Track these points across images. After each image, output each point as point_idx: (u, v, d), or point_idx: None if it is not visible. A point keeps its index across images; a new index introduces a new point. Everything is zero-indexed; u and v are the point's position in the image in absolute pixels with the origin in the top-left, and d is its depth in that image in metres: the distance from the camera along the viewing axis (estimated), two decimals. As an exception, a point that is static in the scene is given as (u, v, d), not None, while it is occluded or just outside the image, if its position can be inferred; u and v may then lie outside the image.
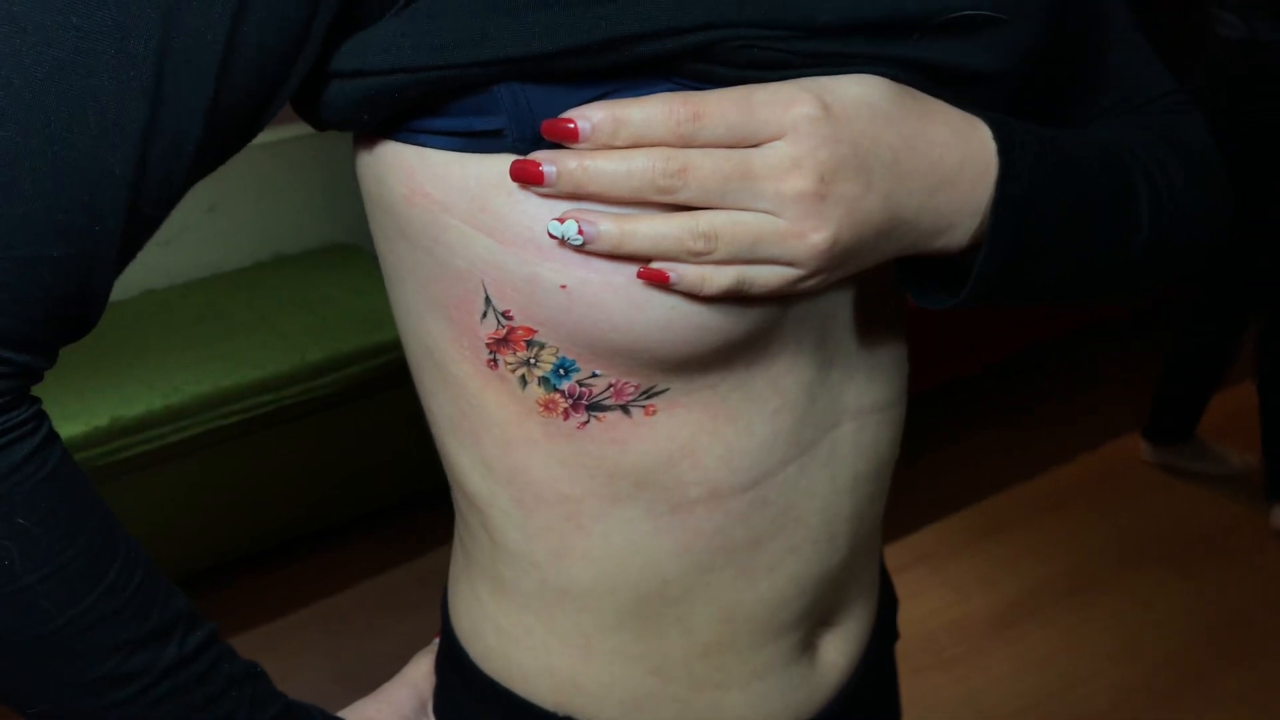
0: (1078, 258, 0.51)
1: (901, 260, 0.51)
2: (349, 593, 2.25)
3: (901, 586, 2.43)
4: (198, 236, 2.49)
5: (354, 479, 2.29)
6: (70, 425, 1.93)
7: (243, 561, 2.25)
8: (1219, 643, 2.07)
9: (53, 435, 0.44)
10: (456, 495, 0.57)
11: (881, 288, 0.55)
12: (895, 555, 2.32)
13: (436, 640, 0.64)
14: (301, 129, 2.40)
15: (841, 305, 0.53)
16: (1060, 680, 2.02)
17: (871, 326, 0.55)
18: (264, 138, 2.51)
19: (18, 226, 0.39)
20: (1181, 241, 0.56)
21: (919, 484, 2.53)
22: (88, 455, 1.93)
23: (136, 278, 2.43)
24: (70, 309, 0.42)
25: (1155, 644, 2.08)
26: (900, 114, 0.45)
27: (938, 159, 0.46)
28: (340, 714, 0.57)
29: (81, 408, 1.98)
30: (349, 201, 2.55)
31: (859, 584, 0.62)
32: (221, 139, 0.43)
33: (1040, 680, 2.02)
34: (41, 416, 0.44)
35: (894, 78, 0.46)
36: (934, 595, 2.23)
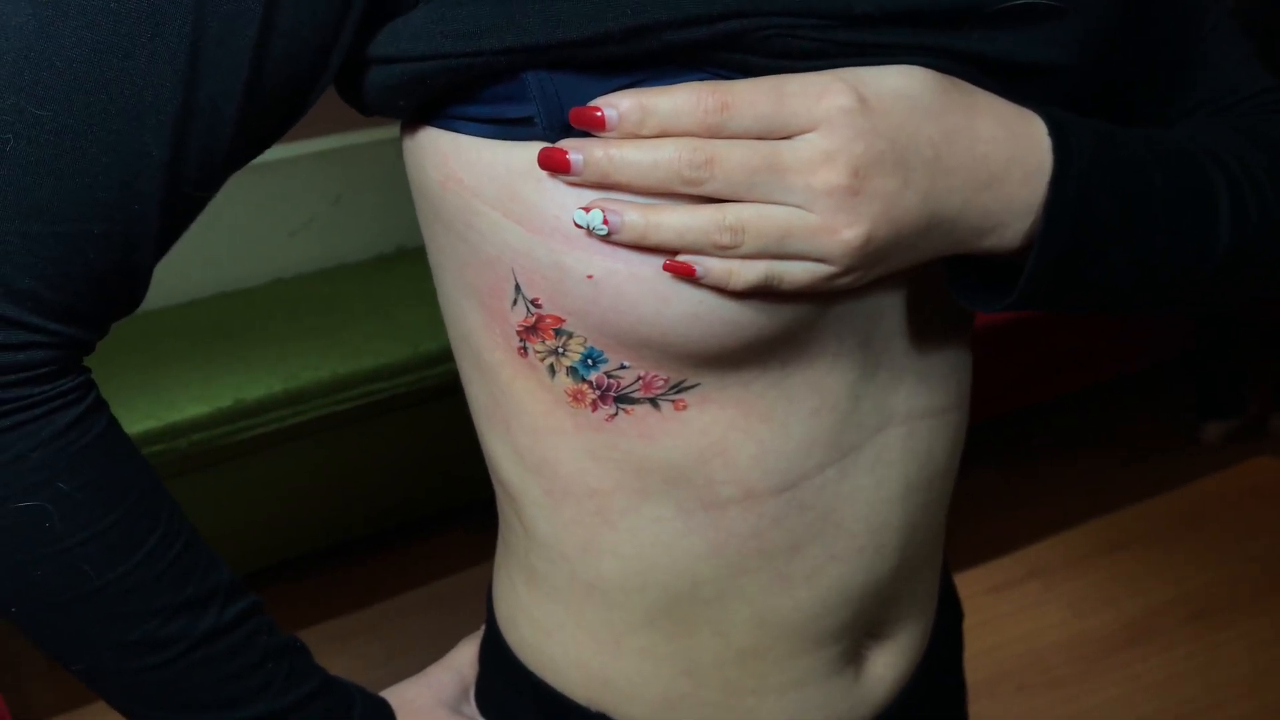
0: (1142, 264, 0.48)
1: (952, 259, 0.49)
2: (455, 578, 2.30)
3: (1012, 602, 2.32)
4: (323, 228, 2.58)
5: (463, 467, 2.33)
6: (196, 406, 2.03)
7: (353, 544, 2.33)
8: (1360, 680, 1.94)
9: (99, 405, 0.46)
10: (495, 484, 0.58)
11: (937, 287, 0.53)
12: (1006, 569, 2.25)
13: (485, 628, 0.64)
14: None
15: (890, 305, 0.51)
16: (1179, 708, 1.92)
17: (924, 328, 0.53)
18: (389, 133, 2.60)
19: (60, 203, 0.41)
20: (1270, 253, 0.52)
21: (1036, 497, 2.45)
22: (211, 434, 2.03)
23: (264, 267, 2.53)
24: (114, 284, 0.44)
25: (1283, 680, 1.97)
26: (943, 107, 0.43)
27: (983, 155, 0.44)
28: (382, 694, 0.58)
29: (206, 389, 2.07)
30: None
31: (912, 596, 0.60)
32: (261, 123, 0.44)
33: (1157, 707, 1.93)
34: (88, 386, 0.45)
35: (941, 69, 0.44)
36: (1046, 611, 2.16)
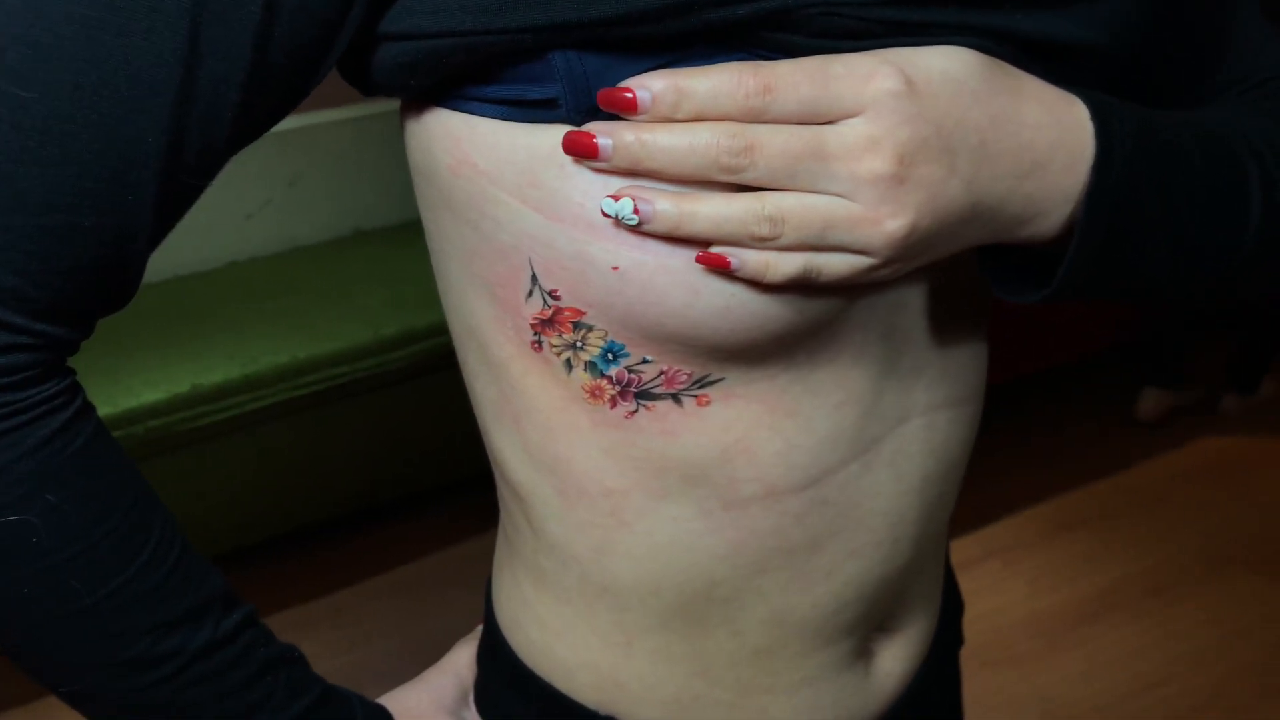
0: (1179, 253, 0.47)
1: (985, 248, 0.47)
2: (418, 564, 2.27)
3: (972, 580, 2.36)
4: (279, 210, 2.53)
5: (426, 452, 2.31)
6: (152, 392, 1.97)
7: (314, 530, 2.29)
8: (1310, 653, 1.99)
9: (86, 409, 0.43)
10: (499, 482, 0.55)
11: (958, 276, 0.51)
12: (965, 549, 2.27)
13: (480, 628, 0.62)
14: (384, 105, 2.41)
15: (914, 296, 0.50)
16: (1136, 682, 1.96)
17: (946, 318, 0.52)
18: (346, 114, 2.55)
19: (46, 194, 0.38)
20: None
21: (994, 477, 2.47)
22: (168, 421, 1.98)
23: (220, 250, 2.48)
24: (104, 280, 0.41)
25: (1241, 650, 2.01)
26: (989, 91, 0.42)
27: (1028, 141, 0.43)
28: (380, 700, 0.56)
29: (163, 375, 2.02)
30: (427, 176, 2.56)
31: (921, 589, 0.59)
32: (263, 104, 0.41)
33: (1115, 681, 1.96)
34: (74, 390, 0.42)
35: (983, 50, 0.43)
36: (1006, 590, 2.18)
